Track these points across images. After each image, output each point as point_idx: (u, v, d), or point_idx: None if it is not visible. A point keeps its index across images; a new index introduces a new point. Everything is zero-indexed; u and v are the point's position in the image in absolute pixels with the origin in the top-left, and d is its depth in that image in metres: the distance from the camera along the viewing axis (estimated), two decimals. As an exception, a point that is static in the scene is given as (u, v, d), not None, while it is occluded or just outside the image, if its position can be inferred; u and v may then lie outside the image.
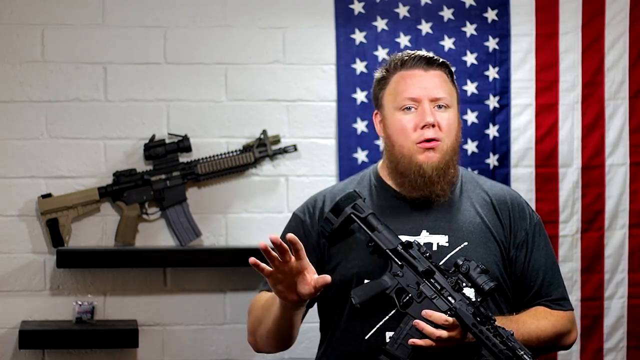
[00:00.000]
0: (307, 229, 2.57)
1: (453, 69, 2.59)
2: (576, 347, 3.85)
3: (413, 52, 2.55)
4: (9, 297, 3.66)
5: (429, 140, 2.47)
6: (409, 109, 2.49)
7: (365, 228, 2.45)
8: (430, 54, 2.54)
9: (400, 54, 2.57)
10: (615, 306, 3.89)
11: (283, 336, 2.48)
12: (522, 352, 2.25)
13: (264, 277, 2.34)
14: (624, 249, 3.90)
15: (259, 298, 2.56)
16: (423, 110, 2.48)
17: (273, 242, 2.25)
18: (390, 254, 2.41)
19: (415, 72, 2.51)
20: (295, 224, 2.60)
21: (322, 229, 2.51)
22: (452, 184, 2.55)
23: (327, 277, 2.30)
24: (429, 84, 2.49)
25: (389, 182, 2.56)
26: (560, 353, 3.84)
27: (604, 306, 3.89)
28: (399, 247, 2.41)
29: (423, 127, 2.47)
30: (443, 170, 2.48)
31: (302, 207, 2.62)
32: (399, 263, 2.40)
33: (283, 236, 2.58)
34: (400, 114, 2.50)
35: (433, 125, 2.47)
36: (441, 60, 2.54)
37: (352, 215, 2.46)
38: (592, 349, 3.89)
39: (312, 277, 2.31)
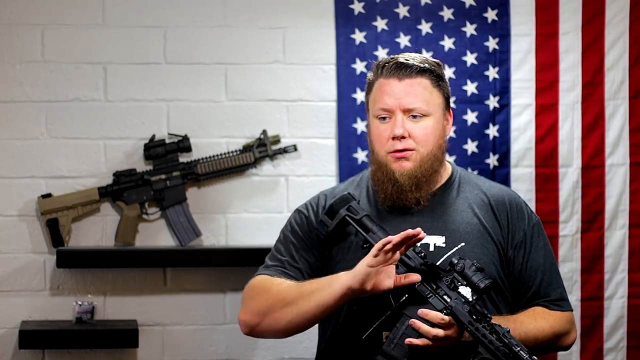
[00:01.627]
0: (310, 224, 2.57)
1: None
2: (576, 347, 3.84)
3: (394, 57, 2.53)
4: (9, 297, 3.66)
5: (399, 151, 2.48)
6: (383, 118, 2.50)
7: (360, 229, 2.45)
8: (410, 61, 2.50)
9: (383, 58, 2.56)
10: (615, 306, 3.89)
11: (316, 321, 2.46)
12: (518, 349, 2.25)
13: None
14: (624, 249, 3.89)
15: (270, 280, 2.52)
16: (395, 122, 2.48)
17: (392, 242, 2.29)
18: (385, 254, 2.41)
19: (391, 81, 2.49)
20: (300, 218, 2.60)
21: (318, 231, 2.52)
22: (434, 192, 2.54)
23: (417, 276, 2.34)
24: (402, 94, 2.48)
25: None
26: (560, 353, 3.83)
27: (604, 306, 3.88)
28: (394, 248, 2.41)
29: (394, 138, 2.48)
30: (417, 179, 2.48)
31: (305, 204, 2.63)
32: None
33: (287, 229, 2.59)
34: (378, 121, 2.52)
35: (404, 137, 2.47)
36: (421, 67, 2.50)
37: (346, 217, 2.47)
38: (592, 349, 3.88)
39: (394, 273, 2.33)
